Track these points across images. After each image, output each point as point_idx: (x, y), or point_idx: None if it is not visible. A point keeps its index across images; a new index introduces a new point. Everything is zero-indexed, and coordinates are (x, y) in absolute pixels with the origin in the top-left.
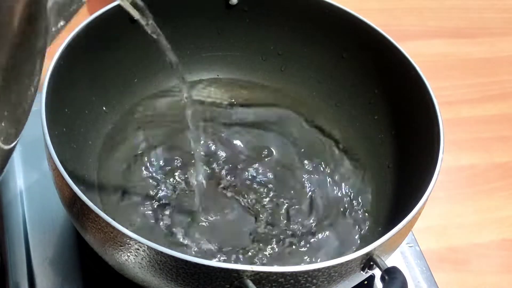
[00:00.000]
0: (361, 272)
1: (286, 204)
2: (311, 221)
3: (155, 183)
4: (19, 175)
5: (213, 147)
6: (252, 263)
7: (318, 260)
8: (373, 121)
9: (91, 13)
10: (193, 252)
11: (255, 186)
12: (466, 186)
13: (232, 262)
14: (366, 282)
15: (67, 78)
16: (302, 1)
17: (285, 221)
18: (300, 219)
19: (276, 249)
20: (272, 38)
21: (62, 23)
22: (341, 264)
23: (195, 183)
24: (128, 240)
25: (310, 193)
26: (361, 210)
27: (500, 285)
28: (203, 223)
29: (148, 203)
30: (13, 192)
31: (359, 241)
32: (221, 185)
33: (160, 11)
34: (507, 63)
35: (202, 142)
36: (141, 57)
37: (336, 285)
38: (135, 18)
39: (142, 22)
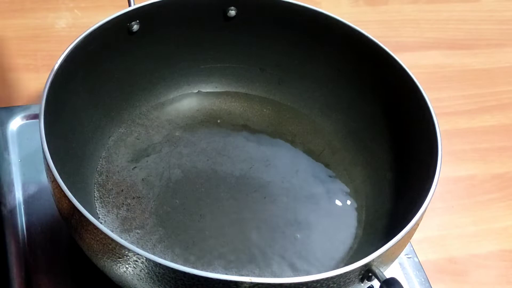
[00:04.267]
0: (360, 283)
1: (281, 217)
2: (307, 233)
3: (155, 195)
4: (18, 187)
5: (208, 160)
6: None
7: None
8: (371, 132)
9: None
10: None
11: (251, 198)
12: (464, 197)
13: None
14: None
15: (65, 90)
16: (300, 13)
17: (281, 234)
18: (295, 232)
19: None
20: (270, 50)
21: None
22: (340, 275)
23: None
24: (126, 252)
25: (307, 203)
26: (359, 221)
27: None
28: (205, 233)
29: (147, 215)
30: (12, 204)
31: (357, 252)
32: (218, 196)
33: (159, 23)
34: (504, 74)
35: (199, 155)
36: (139, 69)
37: None
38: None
39: None
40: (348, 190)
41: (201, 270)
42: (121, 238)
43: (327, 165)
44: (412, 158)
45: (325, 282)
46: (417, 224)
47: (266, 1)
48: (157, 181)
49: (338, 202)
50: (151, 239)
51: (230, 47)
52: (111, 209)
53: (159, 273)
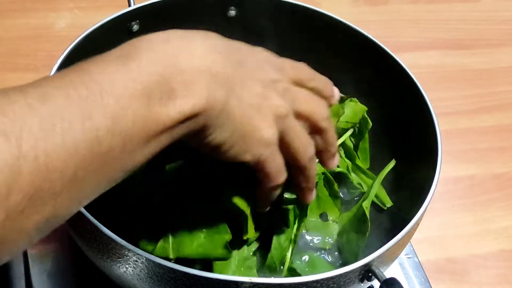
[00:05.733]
0: (360, 283)
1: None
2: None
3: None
4: None
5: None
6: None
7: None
8: (371, 132)
9: None
10: None
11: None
12: (464, 197)
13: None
14: None
15: None
16: (301, 13)
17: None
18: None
19: None
20: (271, 49)
21: None
22: (340, 275)
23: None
24: (126, 252)
25: None
26: None
27: None
28: None
29: (147, 214)
30: None
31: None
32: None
33: (159, 23)
34: (503, 74)
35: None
36: None
37: None
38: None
39: None
40: (348, 191)
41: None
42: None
43: None
44: (412, 158)
45: (325, 282)
46: (417, 224)
47: (266, 1)
48: (156, 177)
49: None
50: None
51: None
52: (110, 208)
53: (159, 273)
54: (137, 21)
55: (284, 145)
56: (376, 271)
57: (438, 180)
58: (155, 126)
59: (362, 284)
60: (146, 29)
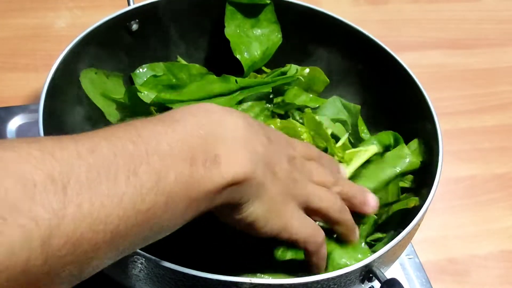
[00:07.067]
0: (361, 284)
1: None
2: None
3: None
4: None
5: None
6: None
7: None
8: (371, 132)
9: None
10: None
11: None
12: (465, 197)
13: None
14: None
15: (64, 90)
16: (300, 13)
17: None
18: None
19: None
20: None
21: None
22: (340, 276)
23: None
24: None
25: None
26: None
27: None
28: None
29: None
30: None
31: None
32: None
33: (159, 22)
34: (505, 73)
35: None
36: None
37: None
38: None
39: None
40: None
41: (201, 270)
42: None
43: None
44: None
45: (326, 282)
46: (418, 224)
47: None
48: None
49: None
50: None
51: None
52: None
53: (158, 274)
54: (137, 20)
55: (312, 211)
56: (377, 271)
57: (439, 181)
58: (197, 189)
59: (363, 285)
60: (145, 29)
